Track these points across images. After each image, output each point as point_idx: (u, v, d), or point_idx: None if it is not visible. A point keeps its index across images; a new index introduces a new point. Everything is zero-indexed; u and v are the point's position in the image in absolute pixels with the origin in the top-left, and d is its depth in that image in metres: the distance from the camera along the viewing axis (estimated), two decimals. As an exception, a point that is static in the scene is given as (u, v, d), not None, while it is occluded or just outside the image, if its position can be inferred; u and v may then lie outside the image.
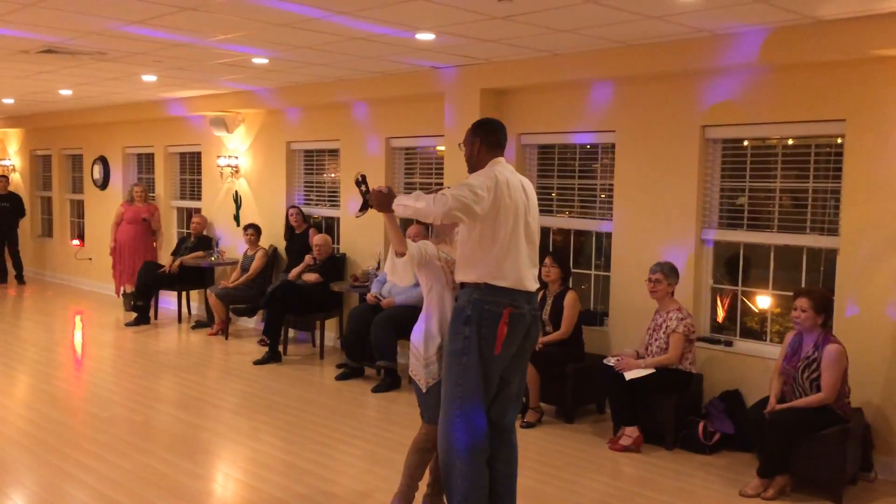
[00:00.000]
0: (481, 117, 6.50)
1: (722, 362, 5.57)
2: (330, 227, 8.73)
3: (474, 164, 3.76)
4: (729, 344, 5.60)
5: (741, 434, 5.14)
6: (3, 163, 13.92)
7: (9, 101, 10.25)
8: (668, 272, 5.41)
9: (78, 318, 10.01)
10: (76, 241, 12.48)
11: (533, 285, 3.66)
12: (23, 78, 7.92)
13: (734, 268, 5.75)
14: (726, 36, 5.13)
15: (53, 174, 13.02)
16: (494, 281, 3.54)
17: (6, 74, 7.69)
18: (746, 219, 5.58)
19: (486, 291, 3.54)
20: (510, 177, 3.64)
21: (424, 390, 3.79)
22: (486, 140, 3.75)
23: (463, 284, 3.66)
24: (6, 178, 12.88)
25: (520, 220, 3.60)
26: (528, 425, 5.70)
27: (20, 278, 12.56)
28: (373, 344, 6.65)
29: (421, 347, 3.77)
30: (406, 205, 3.59)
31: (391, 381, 6.67)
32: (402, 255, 3.69)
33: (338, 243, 8.43)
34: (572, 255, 6.68)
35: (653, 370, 5.25)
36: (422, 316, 3.83)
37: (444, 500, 3.81)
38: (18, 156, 13.83)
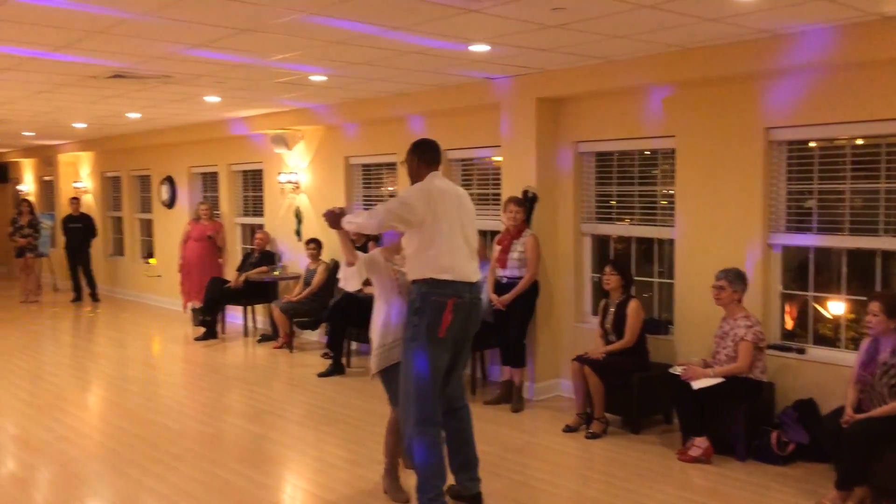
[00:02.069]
0: (536, 124, 6.59)
1: (794, 370, 5.40)
2: (389, 239, 8.79)
3: (414, 178, 4.34)
4: (801, 351, 5.43)
5: (817, 444, 4.97)
6: (76, 185, 14.48)
7: (81, 125, 10.67)
8: (732, 279, 5.28)
9: (149, 334, 10.32)
10: (149, 259, 12.88)
11: (474, 276, 4.22)
12: (93, 103, 8.24)
13: (804, 273, 5.57)
14: (788, 36, 5.01)
15: (123, 195, 13.47)
16: (439, 275, 4.09)
17: (78, 100, 8.01)
18: (816, 222, 5.41)
19: (433, 285, 4.09)
20: (444, 186, 4.23)
21: (370, 377, 4.51)
22: (422, 158, 4.33)
23: (414, 282, 4.18)
24: (78, 199, 13.39)
25: (455, 223, 4.15)
26: (594, 436, 5.62)
27: (94, 296, 13.02)
28: (434, 355, 6.66)
29: (373, 340, 4.42)
30: (350, 221, 4.24)
31: (453, 392, 6.67)
32: (351, 264, 4.36)
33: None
34: (634, 262, 6.58)
35: (721, 379, 5.12)
36: (374, 314, 4.45)
37: (399, 475, 4.59)
38: (90, 178, 14.36)
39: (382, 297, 4.40)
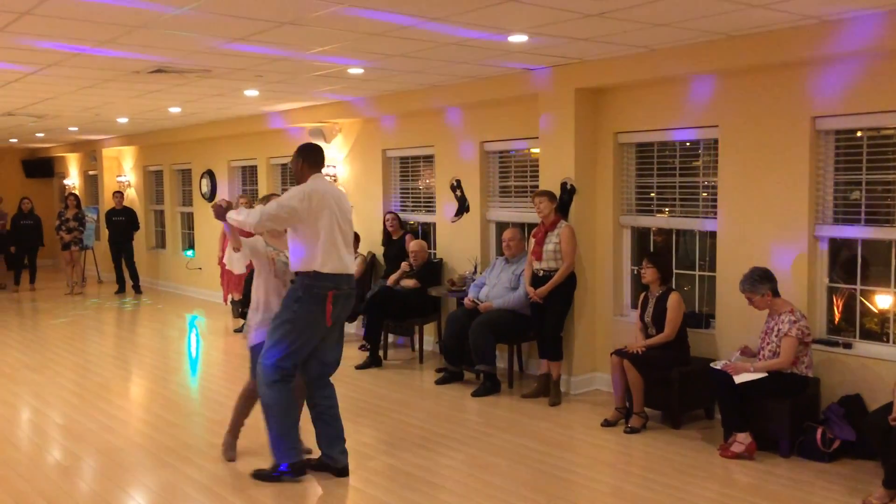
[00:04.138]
0: (574, 115, 6.54)
1: (841, 365, 5.27)
2: (426, 232, 8.79)
3: (298, 179, 4.70)
4: (848, 346, 5.30)
5: (863, 441, 4.85)
6: (120, 179, 14.75)
7: (123, 120, 10.85)
8: (751, 286, 5.13)
9: (190, 326, 10.47)
10: (189, 252, 13.08)
11: (351, 269, 4.69)
12: (136, 97, 8.36)
13: (851, 266, 5.43)
14: (837, 22, 4.86)
15: (165, 188, 13.69)
16: (321, 268, 4.49)
17: (121, 95, 8.14)
18: (864, 213, 5.27)
19: (315, 277, 4.50)
20: (325, 188, 4.62)
21: (248, 348, 4.92)
22: (307, 160, 4.71)
23: (298, 273, 4.55)
24: (121, 193, 13.64)
25: (334, 221, 4.54)
26: (633, 430, 5.56)
27: (137, 288, 13.25)
28: (471, 348, 6.65)
29: (249, 317, 4.92)
30: (232, 217, 4.62)
31: (490, 385, 6.65)
32: (237, 250, 4.79)
33: (434, 248, 8.48)
34: (674, 255, 6.48)
35: (764, 374, 5.02)
36: (252, 293, 4.92)
37: (237, 436, 5.17)
38: (133, 172, 14.62)
39: (261, 277, 4.88)
